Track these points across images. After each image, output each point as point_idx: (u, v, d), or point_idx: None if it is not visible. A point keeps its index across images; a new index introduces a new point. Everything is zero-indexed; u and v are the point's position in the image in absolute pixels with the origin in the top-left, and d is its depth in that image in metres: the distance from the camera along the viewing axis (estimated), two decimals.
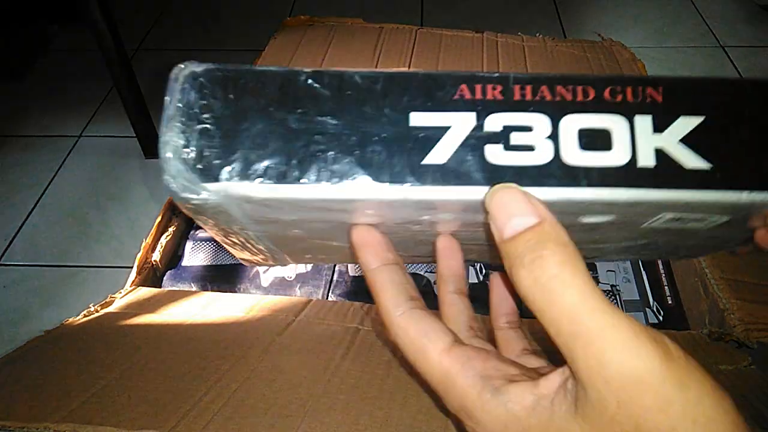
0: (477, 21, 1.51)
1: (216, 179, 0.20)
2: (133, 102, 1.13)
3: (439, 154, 0.20)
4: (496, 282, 0.28)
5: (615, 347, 0.17)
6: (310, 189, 0.20)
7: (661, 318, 0.53)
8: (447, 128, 0.21)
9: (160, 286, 0.54)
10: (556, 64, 0.73)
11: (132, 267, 0.54)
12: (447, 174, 0.20)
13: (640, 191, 0.21)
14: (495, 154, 0.21)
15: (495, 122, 0.21)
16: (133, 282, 0.52)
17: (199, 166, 0.20)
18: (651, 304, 0.54)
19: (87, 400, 0.36)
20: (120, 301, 0.49)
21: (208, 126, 0.20)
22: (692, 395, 0.17)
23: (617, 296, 0.54)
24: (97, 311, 0.48)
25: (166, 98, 0.21)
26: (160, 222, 0.56)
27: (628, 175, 0.21)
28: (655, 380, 0.16)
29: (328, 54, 0.76)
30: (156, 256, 0.54)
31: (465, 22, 0.97)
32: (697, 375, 0.17)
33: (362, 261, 0.24)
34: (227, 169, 0.20)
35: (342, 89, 0.21)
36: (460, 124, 0.21)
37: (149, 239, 0.55)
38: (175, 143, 0.20)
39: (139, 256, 0.54)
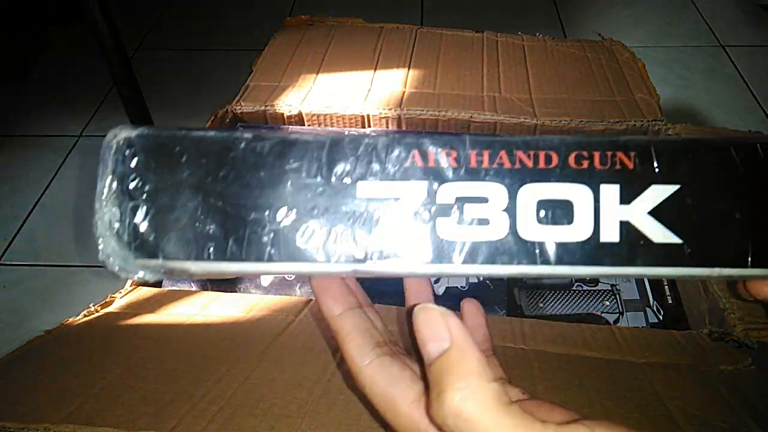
0: (477, 21, 1.51)
1: (153, 256, 0.19)
2: (133, 102, 1.13)
3: (388, 229, 0.19)
4: (468, 308, 0.27)
5: None
6: (251, 266, 0.19)
7: (661, 318, 0.53)
8: (396, 200, 0.19)
9: (160, 286, 0.54)
10: (556, 64, 0.73)
11: None
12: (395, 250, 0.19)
13: (602, 269, 0.19)
14: (447, 228, 0.19)
15: (448, 193, 0.19)
16: (133, 282, 0.52)
17: (135, 244, 0.19)
18: (651, 303, 0.54)
19: (87, 400, 0.36)
20: (120, 301, 0.49)
21: (142, 202, 0.19)
22: None
23: (617, 296, 0.54)
24: (97, 311, 0.48)
25: (100, 169, 0.19)
26: None
27: (590, 251, 0.19)
28: None
29: (328, 54, 0.76)
30: None
31: (465, 22, 0.97)
32: None
33: (323, 308, 0.23)
34: (164, 247, 0.19)
35: (284, 156, 0.19)
36: (410, 195, 0.19)
37: None
38: (108, 220, 0.19)
39: None
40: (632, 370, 0.40)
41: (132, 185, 0.19)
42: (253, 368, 0.39)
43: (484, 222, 0.19)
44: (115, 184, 0.19)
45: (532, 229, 0.19)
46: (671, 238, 0.19)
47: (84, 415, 0.34)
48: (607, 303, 0.53)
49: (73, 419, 0.34)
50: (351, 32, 0.81)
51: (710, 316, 0.49)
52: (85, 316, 0.47)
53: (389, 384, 0.22)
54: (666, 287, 0.55)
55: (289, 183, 0.19)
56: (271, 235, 0.19)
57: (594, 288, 0.54)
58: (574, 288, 0.54)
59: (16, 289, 0.99)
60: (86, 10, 1.02)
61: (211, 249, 0.19)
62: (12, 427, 0.33)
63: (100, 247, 0.19)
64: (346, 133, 0.19)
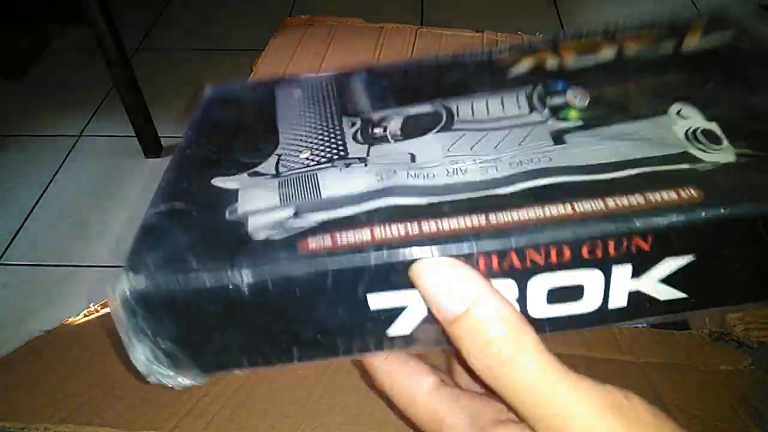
0: (477, 21, 1.51)
1: (195, 377, 0.21)
2: (133, 102, 1.13)
3: (402, 327, 0.20)
4: None
5: (578, 418, 0.17)
6: (284, 366, 0.21)
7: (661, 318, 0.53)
8: (405, 307, 0.20)
9: None
10: None
11: None
12: (411, 342, 0.20)
13: (606, 325, 0.20)
14: None
15: None
16: None
17: (178, 370, 0.21)
18: None
19: (87, 400, 0.36)
20: None
21: (170, 348, 0.20)
22: None
23: None
24: (97, 311, 0.48)
25: (116, 321, 0.19)
26: None
27: (597, 317, 0.20)
28: None
29: (328, 54, 0.76)
30: None
31: (465, 22, 0.97)
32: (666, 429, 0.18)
33: None
34: (204, 368, 0.21)
35: (290, 293, 0.19)
36: (419, 302, 0.19)
37: None
38: (146, 361, 0.20)
39: None
40: (632, 370, 0.40)
41: (155, 336, 0.20)
42: None
43: None
44: (138, 335, 0.20)
45: (541, 310, 0.20)
46: (677, 295, 0.20)
47: (84, 415, 0.34)
48: None
49: (73, 419, 0.34)
50: (351, 32, 0.81)
51: (710, 316, 0.49)
52: (85, 315, 0.47)
53: (406, 376, 0.22)
54: None
55: (297, 316, 0.20)
56: (299, 354, 0.21)
57: None
58: None
59: (16, 289, 0.99)
60: (86, 10, 1.02)
61: (247, 364, 0.21)
62: (12, 427, 0.33)
63: (143, 371, 0.20)
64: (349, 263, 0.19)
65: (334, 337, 0.20)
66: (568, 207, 0.19)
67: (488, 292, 0.18)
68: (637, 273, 0.19)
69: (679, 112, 0.23)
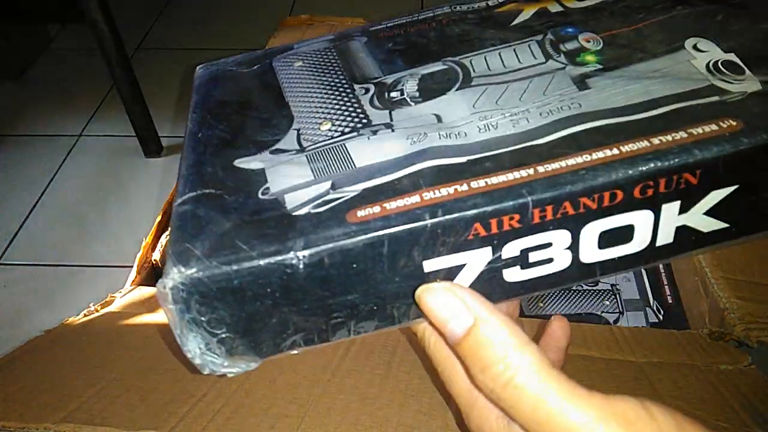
0: None
1: (250, 362, 0.21)
2: (133, 102, 1.13)
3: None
4: (554, 326, 0.28)
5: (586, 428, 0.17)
6: (339, 340, 0.21)
7: (661, 317, 0.53)
8: (462, 266, 0.20)
9: None
10: None
11: (132, 266, 0.54)
12: None
13: (652, 264, 0.21)
14: (513, 274, 0.20)
15: (512, 249, 0.20)
16: (133, 281, 0.52)
17: (232, 356, 0.20)
18: (651, 303, 0.54)
19: (87, 400, 0.36)
20: (120, 301, 0.49)
21: (225, 334, 0.20)
22: None
23: (617, 296, 0.54)
24: (97, 311, 0.48)
25: (168, 314, 0.19)
26: (160, 221, 0.56)
27: (645, 255, 0.20)
28: None
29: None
30: (156, 256, 0.54)
31: None
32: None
33: None
34: (259, 352, 0.21)
35: (346, 265, 0.19)
36: (475, 260, 0.20)
37: (149, 239, 0.55)
38: (200, 352, 0.20)
39: (139, 255, 0.54)
40: (632, 370, 0.40)
41: (210, 324, 0.20)
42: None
43: (548, 261, 0.20)
44: (193, 326, 0.20)
45: (593, 255, 0.20)
46: (720, 225, 0.20)
47: (84, 415, 0.34)
48: (607, 303, 0.53)
49: (73, 419, 0.34)
50: None
51: (710, 316, 0.49)
52: (85, 315, 0.47)
53: (451, 352, 0.22)
54: (666, 287, 0.55)
55: (357, 287, 0.20)
56: (356, 325, 0.21)
57: (594, 288, 0.54)
58: (574, 288, 0.54)
59: (16, 289, 0.99)
60: (86, 10, 1.02)
61: (302, 342, 0.21)
62: (12, 427, 0.33)
63: (196, 365, 0.20)
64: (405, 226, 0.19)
65: (391, 305, 0.20)
66: (615, 149, 0.19)
67: (486, 314, 0.19)
68: (684, 208, 0.20)
69: (695, 45, 0.23)
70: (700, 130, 0.19)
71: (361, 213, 0.19)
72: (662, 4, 0.26)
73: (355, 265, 0.19)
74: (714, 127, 0.19)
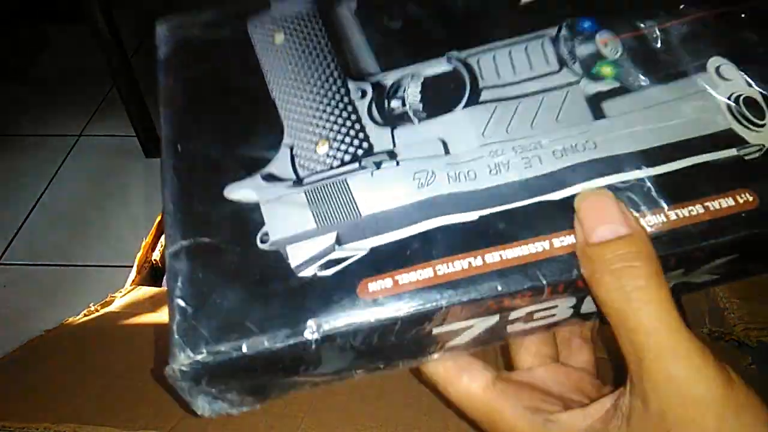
0: None
1: (254, 406, 0.21)
2: (133, 102, 1.13)
3: (462, 339, 0.21)
4: None
5: (685, 367, 0.17)
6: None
7: None
8: (470, 327, 0.21)
9: (160, 286, 0.54)
10: None
11: (132, 266, 0.54)
12: (469, 347, 0.22)
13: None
14: (515, 328, 0.21)
15: (520, 313, 0.20)
16: (133, 281, 0.52)
17: (240, 406, 0.21)
18: None
19: (87, 400, 0.36)
20: (120, 301, 0.49)
21: (235, 396, 0.20)
22: (748, 421, 0.18)
23: None
24: (97, 310, 0.48)
25: (176, 387, 0.19)
26: (160, 221, 0.56)
27: None
28: (717, 404, 0.17)
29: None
30: (156, 255, 0.54)
31: None
32: (754, 403, 0.18)
33: None
34: (266, 400, 0.21)
35: (359, 339, 0.19)
36: (483, 324, 0.21)
37: (149, 238, 0.55)
38: (208, 407, 0.20)
39: (139, 255, 0.54)
40: None
41: (216, 392, 0.20)
42: None
43: (550, 316, 0.21)
44: (197, 397, 0.20)
45: (593, 307, 0.21)
46: (710, 278, 0.22)
47: (84, 414, 0.34)
48: None
49: (73, 419, 0.34)
50: None
51: (710, 316, 0.49)
52: (85, 315, 0.47)
53: (460, 372, 0.22)
54: None
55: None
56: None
57: None
58: None
59: (16, 289, 0.99)
60: (86, 10, 1.02)
61: (309, 388, 0.21)
62: (12, 426, 0.33)
63: (204, 415, 0.20)
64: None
65: (397, 361, 0.21)
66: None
67: (642, 233, 0.19)
68: (686, 274, 0.20)
69: (718, 69, 0.22)
70: (716, 205, 0.20)
71: (372, 287, 0.19)
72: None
73: (364, 338, 0.19)
74: (731, 202, 0.20)
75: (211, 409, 0.20)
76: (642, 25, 0.24)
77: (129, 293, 0.50)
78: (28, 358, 0.42)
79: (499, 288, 0.19)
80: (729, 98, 0.22)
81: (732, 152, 0.21)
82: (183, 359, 0.18)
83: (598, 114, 0.22)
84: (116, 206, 1.11)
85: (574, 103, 0.22)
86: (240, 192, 0.21)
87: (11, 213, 1.11)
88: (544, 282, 0.19)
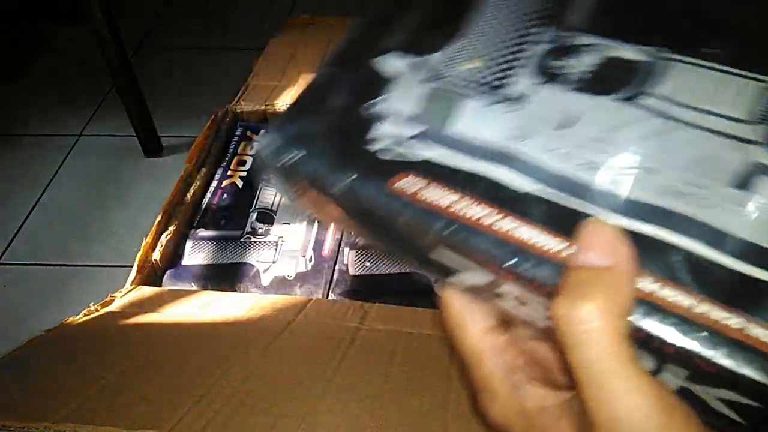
0: None
1: None
2: (133, 102, 1.13)
3: (461, 280, 0.22)
4: None
5: (631, 408, 0.17)
6: None
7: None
8: (456, 271, 0.21)
9: (160, 286, 0.54)
10: None
11: (132, 266, 0.54)
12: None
13: None
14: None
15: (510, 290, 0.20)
16: (133, 281, 0.52)
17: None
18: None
19: (87, 400, 0.36)
20: (120, 301, 0.49)
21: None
22: None
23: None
24: (97, 310, 0.48)
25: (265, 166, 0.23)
26: (160, 221, 0.56)
27: None
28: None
29: (328, 54, 0.76)
30: (156, 255, 0.54)
31: None
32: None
33: None
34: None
35: (372, 208, 0.21)
36: (473, 274, 0.21)
37: (149, 238, 0.55)
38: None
39: (139, 255, 0.54)
40: None
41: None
42: (253, 368, 0.39)
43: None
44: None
45: None
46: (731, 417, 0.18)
47: (84, 414, 0.34)
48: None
49: (73, 419, 0.34)
50: None
51: None
52: (85, 315, 0.47)
53: (466, 310, 0.23)
54: None
55: None
56: None
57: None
58: None
59: (16, 289, 0.99)
60: (86, 10, 1.02)
61: None
62: (12, 426, 0.33)
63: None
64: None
65: (405, 253, 0.23)
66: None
67: (621, 271, 0.18)
68: (691, 380, 0.18)
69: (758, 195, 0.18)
70: (758, 333, 0.16)
71: (400, 184, 0.20)
72: None
73: (377, 215, 0.21)
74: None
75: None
76: None
77: (129, 293, 0.50)
78: (28, 358, 0.42)
79: (500, 257, 0.19)
80: (756, 219, 0.18)
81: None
82: (263, 139, 0.23)
83: (740, 183, 0.18)
84: (116, 206, 1.11)
85: (727, 158, 0.19)
86: (386, 64, 0.24)
87: (11, 213, 1.11)
88: (533, 277, 0.19)
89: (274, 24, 0.84)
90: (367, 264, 0.53)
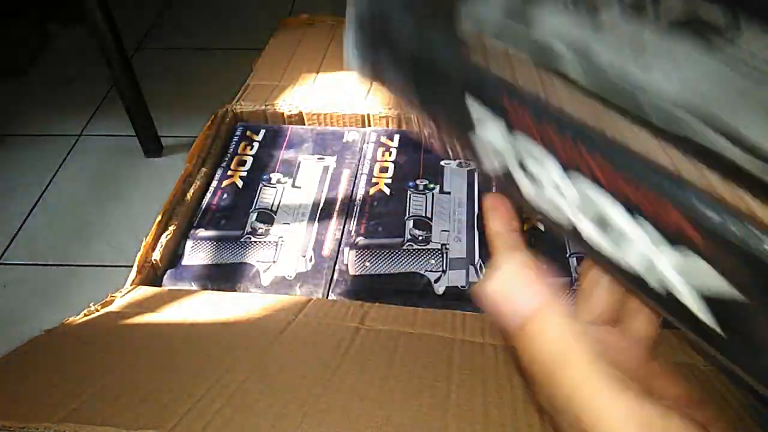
0: None
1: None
2: (133, 102, 1.13)
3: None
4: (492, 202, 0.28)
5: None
6: None
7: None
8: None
9: (160, 286, 0.54)
10: None
11: (132, 266, 0.54)
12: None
13: None
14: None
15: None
16: (133, 281, 0.52)
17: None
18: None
19: (87, 400, 0.36)
20: (120, 301, 0.49)
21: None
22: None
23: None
24: (97, 310, 0.48)
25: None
26: (160, 221, 0.56)
27: None
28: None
29: (328, 54, 0.76)
30: (156, 255, 0.54)
31: None
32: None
33: (489, 223, 0.27)
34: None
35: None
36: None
37: (149, 238, 0.55)
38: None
39: (139, 255, 0.54)
40: None
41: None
42: (254, 367, 0.39)
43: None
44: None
45: None
46: None
47: (84, 415, 0.34)
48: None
49: (73, 419, 0.34)
50: None
51: None
52: (85, 315, 0.47)
53: (506, 209, 0.25)
54: None
55: None
56: None
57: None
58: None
59: (16, 289, 0.99)
60: (86, 10, 1.02)
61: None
62: (12, 426, 0.33)
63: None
64: None
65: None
66: None
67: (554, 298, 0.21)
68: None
69: None
70: None
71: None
72: None
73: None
74: None
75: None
76: None
77: (129, 293, 0.50)
78: (28, 358, 0.42)
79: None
80: None
81: None
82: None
83: None
84: (116, 206, 1.11)
85: None
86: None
87: (11, 213, 1.11)
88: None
89: (274, 24, 0.84)
90: (367, 264, 0.53)
